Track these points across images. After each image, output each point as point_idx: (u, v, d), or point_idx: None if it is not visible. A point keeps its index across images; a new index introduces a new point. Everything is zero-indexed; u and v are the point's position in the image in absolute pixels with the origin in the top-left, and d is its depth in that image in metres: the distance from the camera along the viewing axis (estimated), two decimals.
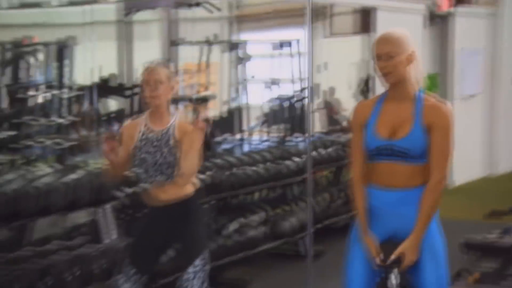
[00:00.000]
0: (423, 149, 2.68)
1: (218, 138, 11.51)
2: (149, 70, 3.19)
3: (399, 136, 2.69)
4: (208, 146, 3.24)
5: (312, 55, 2.72)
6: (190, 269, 3.18)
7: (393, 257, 2.69)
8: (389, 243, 2.74)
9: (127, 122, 3.40)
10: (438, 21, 9.68)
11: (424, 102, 2.71)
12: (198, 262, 3.20)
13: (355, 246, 2.81)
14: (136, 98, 6.83)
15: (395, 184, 2.70)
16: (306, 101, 11.30)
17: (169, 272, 4.12)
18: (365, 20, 9.92)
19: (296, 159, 5.98)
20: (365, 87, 8.75)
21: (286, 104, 11.30)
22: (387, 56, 2.67)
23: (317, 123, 12.48)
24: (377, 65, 2.70)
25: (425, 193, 2.67)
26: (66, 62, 10.19)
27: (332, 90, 12.08)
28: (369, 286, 2.81)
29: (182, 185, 3.20)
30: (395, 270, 2.75)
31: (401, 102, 2.73)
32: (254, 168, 5.42)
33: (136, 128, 3.26)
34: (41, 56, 9.97)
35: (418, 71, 2.77)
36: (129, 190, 4.27)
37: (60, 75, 10.08)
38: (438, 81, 9.09)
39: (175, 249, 3.37)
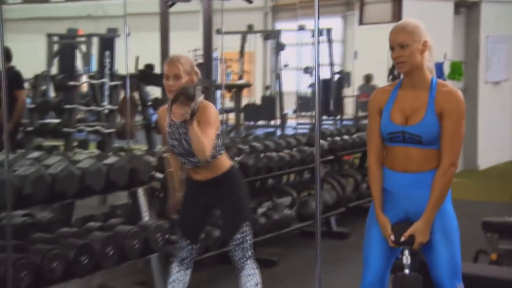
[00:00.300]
0: (436, 135, 2.69)
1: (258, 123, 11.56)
2: (169, 64, 3.23)
3: (413, 123, 2.70)
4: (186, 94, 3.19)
5: (319, 44, 2.74)
6: (231, 242, 3.31)
7: (403, 238, 2.71)
8: (402, 223, 2.76)
9: (160, 110, 3.46)
10: (463, 10, 9.52)
11: (437, 89, 2.72)
12: (237, 236, 3.30)
13: (373, 227, 2.83)
14: None
15: (409, 168, 2.72)
16: (336, 86, 11.31)
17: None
18: (397, 8, 9.83)
19: (322, 141, 6.04)
20: (396, 73, 8.71)
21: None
22: (401, 46, 2.69)
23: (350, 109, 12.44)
24: (392, 54, 2.72)
25: (436, 177, 2.68)
26: (111, 52, 10.38)
27: (368, 77, 11.98)
28: (386, 265, 2.84)
29: (212, 165, 3.27)
30: (406, 251, 2.78)
31: (416, 89, 2.74)
32: (281, 153, 5.48)
33: (164, 116, 3.36)
34: (83, 48, 10.19)
35: (431, 60, 2.79)
36: (161, 175, 4.37)
37: (105, 65, 10.28)
38: (462, 69, 8.96)
39: (221, 217, 3.45)
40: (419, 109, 2.71)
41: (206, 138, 3.12)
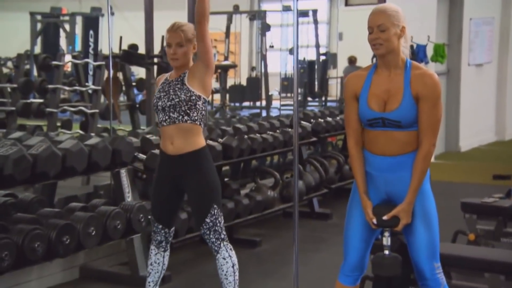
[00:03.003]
0: (415, 118, 2.71)
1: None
2: (171, 32, 3.28)
3: (391, 108, 2.71)
4: None
5: (298, 26, 2.74)
6: (204, 225, 3.30)
7: (385, 217, 2.74)
8: (382, 206, 2.79)
9: (160, 76, 3.53)
10: None
11: (411, 72, 2.73)
12: (208, 219, 3.29)
13: (354, 209, 2.85)
14: (155, 67, 6.88)
15: (389, 151, 2.74)
16: (321, 68, 11.31)
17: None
18: None
19: (305, 123, 6.08)
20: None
21: (303, 71, 11.30)
22: (380, 28, 2.69)
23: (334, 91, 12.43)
24: (370, 36, 2.72)
25: (417, 159, 2.71)
26: (95, 32, 10.28)
27: (352, 59, 11.96)
28: (367, 246, 2.87)
29: (188, 131, 3.28)
30: (387, 232, 2.80)
31: (391, 73, 2.75)
32: (265, 135, 5.50)
33: (161, 81, 3.42)
34: (67, 27, 10.07)
35: (407, 46, 2.80)
36: (144, 156, 4.37)
37: (89, 44, 10.18)
38: (445, 51, 8.99)
39: (189, 201, 3.43)
40: (396, 94, 2.72)
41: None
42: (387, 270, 2.81)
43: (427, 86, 2.69)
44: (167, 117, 3.30)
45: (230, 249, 3.37)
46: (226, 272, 3.33)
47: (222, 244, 3.33)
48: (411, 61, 2.77)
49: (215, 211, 3.31)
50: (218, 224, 3.32)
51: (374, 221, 2.76)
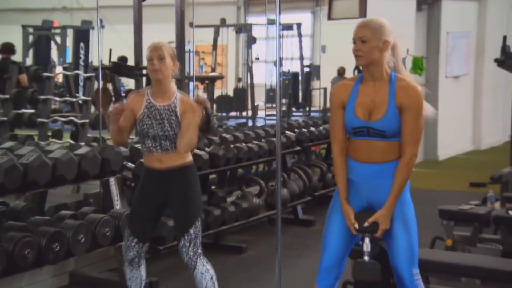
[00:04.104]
0: (398, 128, 2.73)
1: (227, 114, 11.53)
2: (153, 48, 3.24)
3: (376, 118, 2.73)
4: (208, 125, 3.29)
5: (281, 39, 2.76)
6: (186, 236, 3.25)
7: (366, 224, 2.74)
8: (364, 212, 2.80)
9: (132, 95, 3.38)
10: (424, 7, 9.62)
11: (396, 83, 2.74)
12: (192, 230, 3.26)
13: (334, 213, 2.85)
14: (144, 78, 6.89)
15: (372, 159, 2.75)
16: (305, 79, 11.37)
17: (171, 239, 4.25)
18: (364, 5, 9.86)
19: (289, 133, 6.10)
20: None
21: (288, 82, 11.36)
22: (362, 40, 2.72)
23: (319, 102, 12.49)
24: (353, 47, 2.75)
25: (399, 167, 2.72)
26: (86, 44, 10.27)
27: (341, 70, 12.02)
28: (345, 250, 2.86)
29: (179, 154, 3.25)
30: (367, 239, 2.81)
31: (376, 83, 2.77)
32: (250, 144, 5.51)
33: (140, 101, 3.26)
34: (58, 39, 10.03)
35: (395, 59, 2.81)
36: (132, 165, 4.36)
37: (79, 56, 10.16)
38: (424, 63, 9.08)
39: (174, 213, 3.37)
40: (381, 104, 2.73)
41: (195, 135, 3.19)
42: (367, 275, 2.81)
43: (411, 98, 2.71)
44: (157, 144, 3.24)
45: (206, 262, 3.33)
46: (206, 285, 3.28)
47: (198, 259, 3.29)
48: (395, 74, 2.79)
49: (198, 223, 3.29)
50: (199, 238, 3.29)
51: (356, 226, 2.76)
